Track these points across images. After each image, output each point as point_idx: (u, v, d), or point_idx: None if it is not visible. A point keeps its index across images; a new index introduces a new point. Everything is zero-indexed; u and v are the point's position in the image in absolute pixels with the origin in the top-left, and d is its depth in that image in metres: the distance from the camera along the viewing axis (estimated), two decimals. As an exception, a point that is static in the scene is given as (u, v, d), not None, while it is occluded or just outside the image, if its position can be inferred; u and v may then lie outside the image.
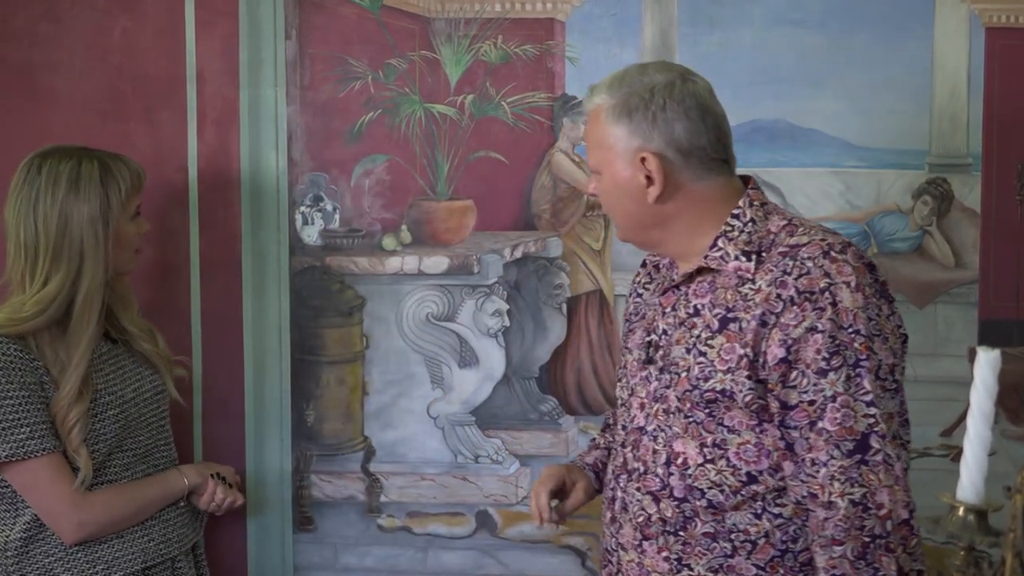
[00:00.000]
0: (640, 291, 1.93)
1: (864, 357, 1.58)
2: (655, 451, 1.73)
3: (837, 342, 1.57)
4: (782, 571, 1.66)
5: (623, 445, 1.82)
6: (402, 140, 2.48)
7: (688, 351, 1.69)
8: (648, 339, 1.79)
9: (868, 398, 1.58)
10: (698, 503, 1.68)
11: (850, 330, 1.58)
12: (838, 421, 1.58)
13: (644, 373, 1.78)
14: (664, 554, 1.72)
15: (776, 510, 1.66)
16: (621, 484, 1.80)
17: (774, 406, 1.62)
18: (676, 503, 1.70)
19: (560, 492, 1.96)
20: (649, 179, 1.68)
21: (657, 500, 1.73)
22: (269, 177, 2.49)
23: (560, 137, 2.46)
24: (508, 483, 2.54)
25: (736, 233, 1.69)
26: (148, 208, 2.27)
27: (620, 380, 1.89)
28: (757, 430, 1.64)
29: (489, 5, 2.45)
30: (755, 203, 1.72)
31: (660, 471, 1.72)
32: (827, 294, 1.59)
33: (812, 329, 1.58)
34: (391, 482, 2.56)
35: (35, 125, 2.50)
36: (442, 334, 2.53)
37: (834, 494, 1.58)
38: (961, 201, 2.39)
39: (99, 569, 2.11)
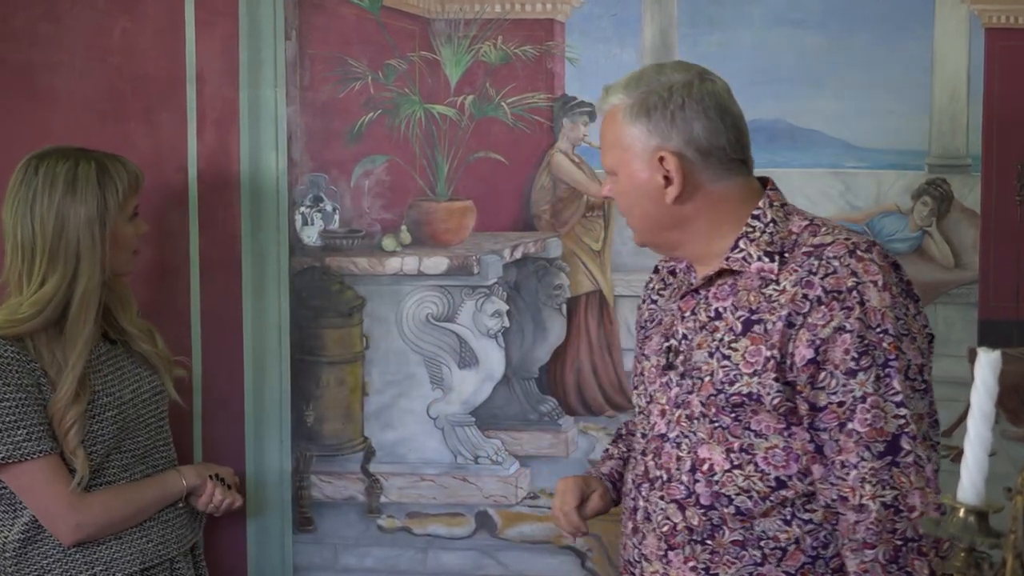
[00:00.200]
0: (654, 297, 1.90)
1: (893, 357, 1.56)
2: (679, 458, 1.70)
3: (866, 342, 1.56)
4: None
5: (643, 453, 1.78)
6: (402, 141, 2.48)
7: (711, 355, 1.67)
8: (667, 344, 1.76)
9: (898, 399, 1.56)
10: (726, 510, 1.65)
11: (878, 330, 1.56)
12: (868, 422, 1.56)
13: (664, 379, 1.75)
14: (691, 564, 1.69)
15: (806, 516, 1.63)
16: (643, 493, 1.76)
17: (803, 408, 1.60)
18: (703, 511, 1.67)
19: (579, 505, 1.91)
20: (667, 179, 1.66)
21: (683, 508, 1.69)
22: (269, 178, 2.49)
23: (560, 138, 2.46)
24: (508, 484, 2.54)
25: (758, 234, 1.67)
26: (147, 208, 2.28)
27: (637, 388, 1.85)
28: (785, 434, 1.62)
29: (489, 6, 2.45)
30: (775, 204, 1.71)
31: (685, 478, 1.69)
32: (855, 293, 1.57)
33: (840, 329, 1.56)
34: (391, 483, 2.56)
35: (35, 125, 2.50)
36: (442, 335, 2.53)
37: (865, 496, 1.56)
38: (961, 202, 2.39)
39: (97, 570, 2.11)
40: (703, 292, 1.72)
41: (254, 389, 2.54)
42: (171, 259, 2.52)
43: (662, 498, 1.72)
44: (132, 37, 2.50)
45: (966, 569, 1.17)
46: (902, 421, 1.56)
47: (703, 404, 1.66)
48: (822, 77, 2.36)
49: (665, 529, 1.71)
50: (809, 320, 1.58)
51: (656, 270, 1.95)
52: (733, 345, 1.64)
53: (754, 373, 1.61)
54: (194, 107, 2.49)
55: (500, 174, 2.47)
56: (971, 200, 2.38)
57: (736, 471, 1.64)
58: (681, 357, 1.72)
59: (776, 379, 1.59)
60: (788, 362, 1.59)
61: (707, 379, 1.66)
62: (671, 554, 1.71)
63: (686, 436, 1.69)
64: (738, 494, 1.64)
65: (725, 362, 1.64)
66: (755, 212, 1.69)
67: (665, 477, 1.72)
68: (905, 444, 1.56)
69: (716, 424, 1.65)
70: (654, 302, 1.89)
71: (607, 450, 2.07)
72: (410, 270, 2.51)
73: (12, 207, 2.07)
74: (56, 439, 2.04)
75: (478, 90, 2.46)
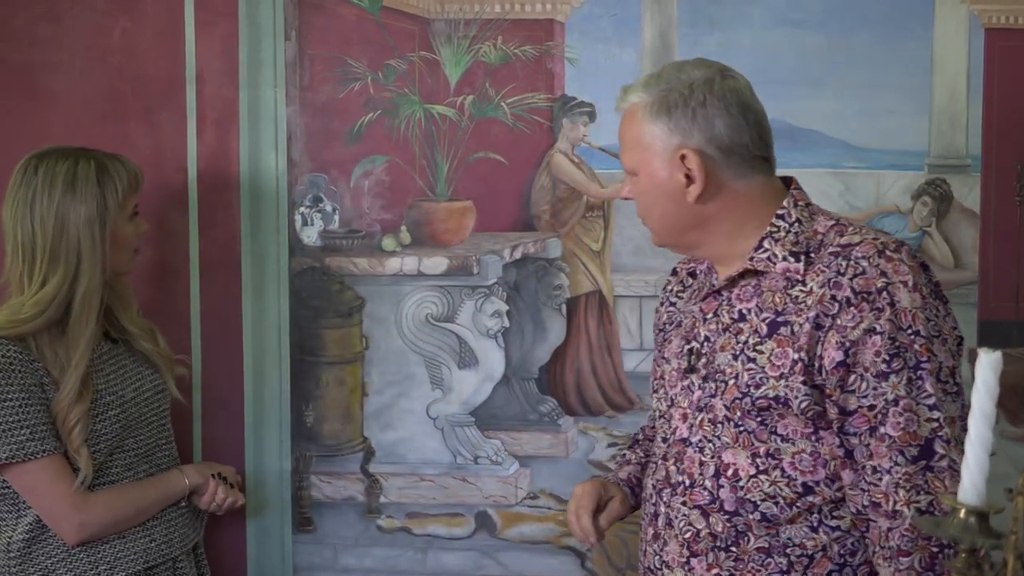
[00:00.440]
0: (673, 299, 1.87)
1: (925, 359, 1.53)
2: (702, 463, 1.67)
3: (897, 344, 1.52)
4: None
5: (664, 458, 1.75)
6: (401, 141, 2.48)
7: (735, 357, 1.63)
8: (689, 347, 1.72)
9: (931, 401, 1.53)
10: (751, 516, 1.62)
11: (910, 331, 1.53)
12: (901, 426, 1.52)
13: (685, 382, 1.71)
14: (715, 571, 1.65)
15: (834, 522, 1.60)
16: (664, 499, 1.73)
17: (832, 412, 1.56)
18: (727, 517, 1.63)
19: (595, 509, 1.87)
20: (689, 178, 1.63)
21: (706, 514, 1.66)
22: (269, 178, 2.49)
23: (559, 138, 2.46)
24: (507, 484, 2.54)
25: (782, 234, 1.63)
26: (147, 209, 2.28)
27: (657, 391, 1.81)
28: (813, 438, 1.58)
29: (489, 6, 2.45)
30: (800, 203, 1.67)
31: (708, 484, 1.65)
32: (885, 294, 1.53)
33: (871, 331, 1.53)
34: (390, 483, 2.56)
35: (35, 125, 2.50)
36: (442, 335, 2.53)
37: (899, 503, 1.53)
38: (960, 202, 2.39)
39: (101, 569, 2.11)
40: (726, 293, 1.69)
41: (254, 389, 2.54)
42: (171, 259, 2.52)
43: (684, 504, 1.69)
44: (132, 37, 2.50)
45: (967, 570, 1.17)
46: (935, 424, 1.52)
47: (727, 408, 1.63)
48: (822, 77, 2.36)
49: (688, 535, 1.68)
50: (838, 322, 1.55)
51: (674, 272, 1.91)
52: (758, 347, 1.61)
53: (781, 376, 1.58)
54: (194, 107, 2.49)
55: (500, 174, 2.47)
56: (971, 200, 2.38)
57: (762, 476, 1.61)
58: (703, 360, 1.69)
59: (804, 382, 1.56)
60: (816, 365, 1.56)
61: (731, 382, 1.63)
62: (694, 561, 1.67)
63: (709, 441, 1.66)
64: (764, 500, 1.61)
65: (750, 365, 1.61)
66: (779, 211, 1.65)
67: (688, 482, 1.68)
68: (939, 448, 1.52)
69: (741, 428, 1.62)
70: (672, 304, 1.86)
71: (624, 455, 2.04)
72: (410, 270, 2.51)
73: (12, 207, 2.07)
74: (59, 438, 2.04)
75: (478, 90, 2.46)
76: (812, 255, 1.61)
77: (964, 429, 1.54)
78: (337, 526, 2.57)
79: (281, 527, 2.57)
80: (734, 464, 1.63)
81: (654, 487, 1.77)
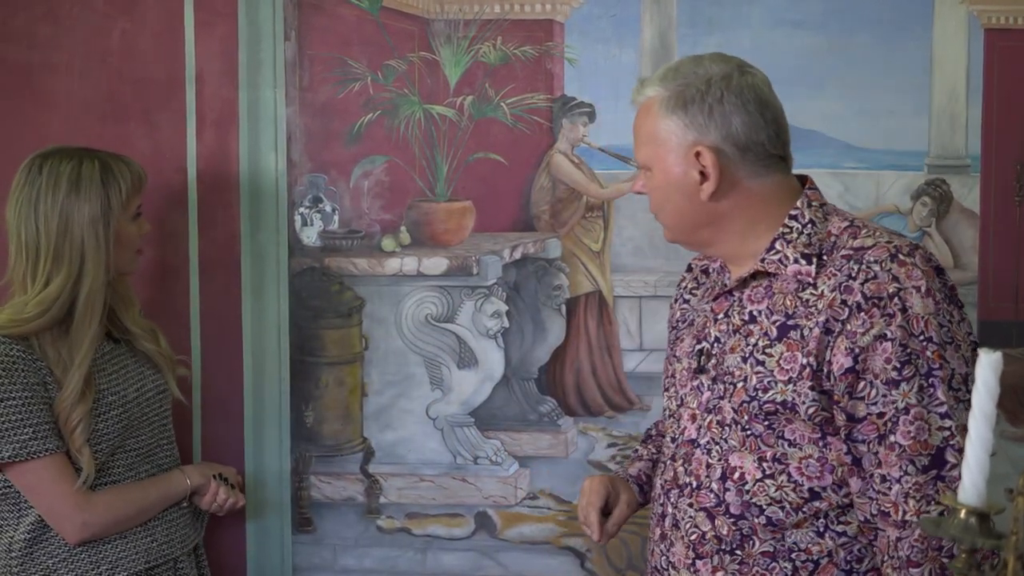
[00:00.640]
0: (687, 296, 1.85)
1: (937, 366, 1.50)
2: (709, 465, 1.65)
3: (908, 351, 1.49)
4: None
5: (673, 459, 1.73)
6: (401, 141, 2.48)
7: (744, 360, 1.61)
8: (699, 347, 1.70)
9: (942, 410, 1.49)
10: (756, 520, 1.60)
11: (921, 338, 1.50)
12: (911, 435, 1.50)
13: (695, 383, 1.69)
14: (719, 574, 1.64)
15: (840, 528, 1.58)
16: (672, 500, 1.71)
17: (840, 419, 1.54)
18: (732, 520, 1.62)
19: (604, 506, 1.85)
20: (703, 175, 1.60)
21: (712, 517, 1.64)
22: (268, 178, 2.49)
23: (559, 138, 2.46)
24: (507, 484, 2.54)
25: (795, 235, 1.61)
26: (147, 209, 2.27)
27: (667, 390, 1.79)
28: (820, 444, 1.56)
29: (488, 6, 2.45)
30: (814, 203, 1.64)
31: (715, 486, 1.64)
32: (896, 300, 1.50)
33: (881, 337, 1.50)
34: (390, 483, 2.56)
35: (34, 126, 2.50)
36: (441, 335, 2.53)
37: (909, 512, 1.50)
38: (960, 202, 2.39)
39: (103, 569, 2.11)
40: (737, 294, 1.66)
41: (253, 390, 2.54)
42: (171, 260, 2.52)
43: (691, 505, 1.67)
44: (131, 38, 2.50)
45: (967, 570, 1.16)
46: (947, 433, 1.49)
47: (735, 411, 1.61)
48: (821, 78, 2.36)
49: (693, 537, 1.67)
50: (848, 327, 1.52)
51: (689, 268, 1.89)
52: (768, 350, 1.58)
53: (789, 380, 1.55)
54: (193, 108, 2.49)
55: (499, 175, 2.47)
56: (970, 200, 2.38)
57: (768, 481, 1.59)
58: (713, 361, 1.66)
59: (812, 388, 1.54)
60: (825, 370, 1.53)
61: (740, 385, 1.60)
62: (699, 563, 1.66)
63: (717, 443, 1.64)
64: (769, 504, 1.59)
65: (759, 368, 1.59)
66: (792, 212, 1.62)
67: (695, 484, 1.67)
68: (950, 457, 1.49)
69: (748, 432, 1.60)
70: (686, 302, 1.84)
71: (636, 450, 2.03)
72: (409, 271, 2.51)
73: (16, 207, 2.07)
74: (62, 438, 2.04)
75: (477, 91, 2.46)
76: (824, 257, 1.59)
77: None
78: (337, 526, 2.57)
79: (281, 527, 2.57)
80: (741, 467, 1.61)
81: (662, 487, 1.75)
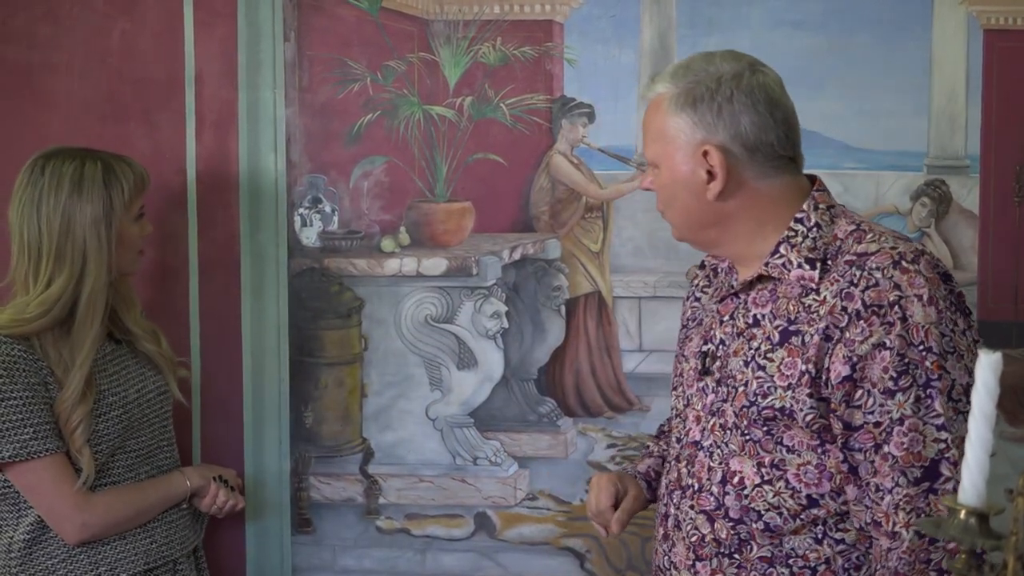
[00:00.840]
0: (699, 294, 1.83)
1: (936, 377, 1.47)
2: (710, 468, 1.64)
3: (906, 360, 1.47)
4: None
5: (677, 459, 1.73)
6: (401, 142, 2.48)
7: (746, 364, 1.60)
8: (704, 348, 1.69)
9: (939, 421, 1.47)
10: (754, 525, 1.60)
11: (921, 348, 1.47)
12: (905, 446, 1.48)
13: (700, 384, 1.68)
14: None
15: (838, 535, 1.57)
16: (675, 500, 1.71)
17: (837, 427, 1.52)
18: (731, 524, 1.61)
19: (614, 502, 1.84)
20: (710, 174, 1.58)
21: (711, 520, 1.64)
22: (268, 179, 2.49)
23: (559, 139, 2.46)
24: (507, 485, 2.54)
25: (799, 239, 1.58)
26: (147, 209, 2.27)
27: (675, 389, 1.78)
28: (819, 451, 1.54)
29: (488, 7, 2.45)
30: (820, 206, 1.61)
31: (715, 489, 1.63)
32: (896, 308, 1.48)
33: (879, 346, 1.48)
34: (390, 484, 2.56)
35: (34, 127, 2.50)
36: (441, 336, 2.53)
37: (898, 524, 1.49)
38: (959, 203, 2.39)
39: (102, 570, 2.11)
40: (743, 296, 1.65)
41: (253, 390, 2.53)
42: (170, 260, 2.52)
43: (692, 507, 1.67)
44: (131, 38, 2.50)
45: (967, 571, 1.16)
46: (943, 446, 1.47)
47: (736, 415, 1.60)
48: (821, 78, 2.35)
49: (694, 539, 1.66)
50: (846, 335, 1.50)
51: (702, 265, 1.87)
52: (769, 355, 1.57)
53: (788, 387, 1.54)
54: (193, 109, 2.49)
55: (499, 175, 2.47)
56: (970, 201, 2.38)
57: (766, 486, 1.58)
58: (718, 363, 1.65)
59: (810, 395, 1.52)
60: (823, 378, 1.52)
61: (741, 389, 1.59)
62: (699, 565, 1.66)
63: (719, 446, 1.63)
64: (768, 510, 1.58)
65: (760, 373, 1.57)
66: (798, 215, 1.60)
67: (696, 486, 1.67)
68: (945, 470, 1.47)
69: (748, 437, 1.59)
70: (697, 299, 1.82)
71: (648, 446, 2.01)
72: (409, 271, 2.51)
73: (18, 207, 2.08)
74: (62, 438, 2.04)
75: (477, 91, 2.46)
76: (829, 262, 1.57)
77: None
78: (336, 527, 2.57)
79: (280, 528, 2.57)
80: (740, 472, 1.61)
81: (666, 487, 1.75)
